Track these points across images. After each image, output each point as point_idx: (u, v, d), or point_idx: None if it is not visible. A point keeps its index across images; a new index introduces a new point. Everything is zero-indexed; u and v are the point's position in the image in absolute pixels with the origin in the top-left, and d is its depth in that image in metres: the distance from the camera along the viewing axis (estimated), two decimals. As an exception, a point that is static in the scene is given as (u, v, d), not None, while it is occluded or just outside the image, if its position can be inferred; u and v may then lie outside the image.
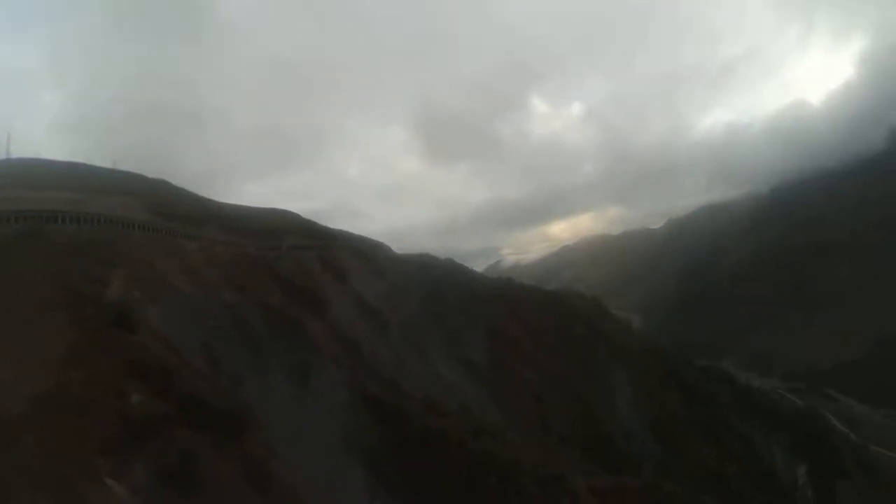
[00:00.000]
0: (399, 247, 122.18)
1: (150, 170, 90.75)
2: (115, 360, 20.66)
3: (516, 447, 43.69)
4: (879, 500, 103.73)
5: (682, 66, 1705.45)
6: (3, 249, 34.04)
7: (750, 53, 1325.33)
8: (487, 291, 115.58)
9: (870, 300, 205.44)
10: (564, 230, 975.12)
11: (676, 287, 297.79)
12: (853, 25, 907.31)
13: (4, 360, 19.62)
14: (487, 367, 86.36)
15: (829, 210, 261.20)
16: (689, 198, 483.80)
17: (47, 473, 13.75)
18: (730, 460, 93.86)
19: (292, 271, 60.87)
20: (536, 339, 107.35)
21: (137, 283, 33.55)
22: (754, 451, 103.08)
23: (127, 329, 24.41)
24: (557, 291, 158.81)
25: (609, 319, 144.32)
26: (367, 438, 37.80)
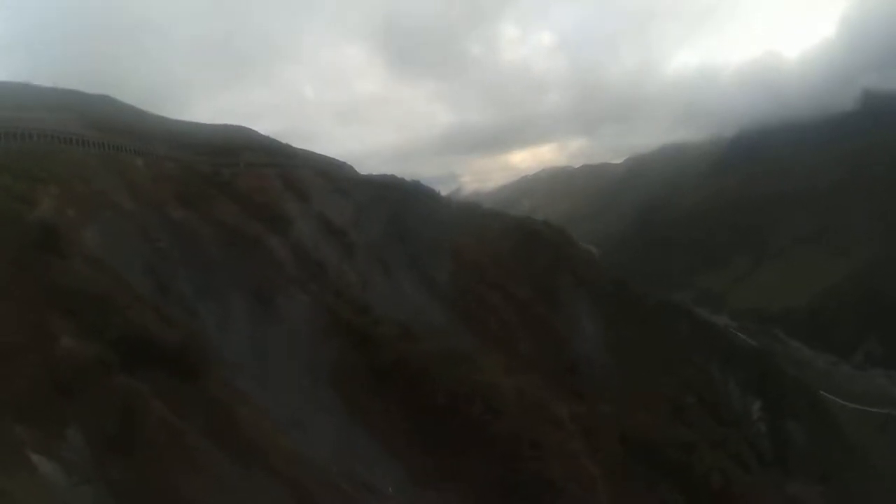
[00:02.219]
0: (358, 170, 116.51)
1: (93, 87, 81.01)
2: (38, 295, 16.81)
3: (495, 373, 41.95)
4: (827, 443, 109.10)
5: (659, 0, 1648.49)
6: None
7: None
8: (453, 215, 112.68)
9: (821, 251, 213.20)
10: (525, 160, 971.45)
11: (633, 222, 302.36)
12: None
13: None
14: (454, 292, 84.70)
15: (791, 161, 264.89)
16: (652, 136, 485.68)
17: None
18: (688, 392, 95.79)
19: (250, 188, 55.84)
20: (502, 264, 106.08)
21: (71, 201, 28.70)
22: (711, 385, 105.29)
23: (54, 254, 20.26)
24: (523, 218, 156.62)
25: (574, 248, 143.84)
26: (338, 367, 35.11)
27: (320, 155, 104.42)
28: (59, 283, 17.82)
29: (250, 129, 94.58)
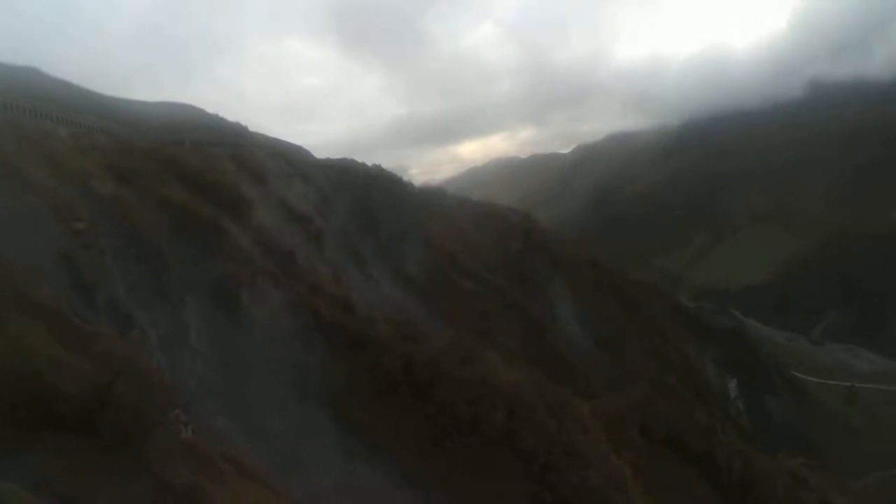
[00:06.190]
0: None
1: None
2: None
3: (510, 372, 35.41)
4: (804, 418, 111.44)
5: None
6: None
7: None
8: (420, 201, 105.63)
9: (776, 228, 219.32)
10: (474, 151, 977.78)
11: (585, 208, 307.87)
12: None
13: None
14: (427, 282, 78.45)
15: (741, 143, 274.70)
16: (600, 123, 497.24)
17: None
18: (670, 372, 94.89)
19: (199, 167, 46.56)
20: (474, 251, 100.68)
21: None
22: (689, 364, 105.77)
23: None
24: (489, 203, 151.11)
25: (544, 232, 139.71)
26: (330, 378, 27.47)
27: (273, 137, 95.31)
28: None
29: (197, 108, 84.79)
